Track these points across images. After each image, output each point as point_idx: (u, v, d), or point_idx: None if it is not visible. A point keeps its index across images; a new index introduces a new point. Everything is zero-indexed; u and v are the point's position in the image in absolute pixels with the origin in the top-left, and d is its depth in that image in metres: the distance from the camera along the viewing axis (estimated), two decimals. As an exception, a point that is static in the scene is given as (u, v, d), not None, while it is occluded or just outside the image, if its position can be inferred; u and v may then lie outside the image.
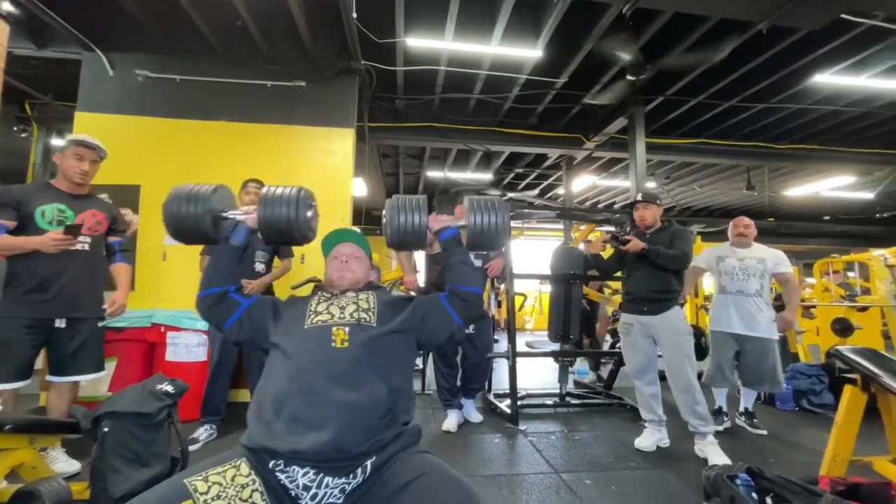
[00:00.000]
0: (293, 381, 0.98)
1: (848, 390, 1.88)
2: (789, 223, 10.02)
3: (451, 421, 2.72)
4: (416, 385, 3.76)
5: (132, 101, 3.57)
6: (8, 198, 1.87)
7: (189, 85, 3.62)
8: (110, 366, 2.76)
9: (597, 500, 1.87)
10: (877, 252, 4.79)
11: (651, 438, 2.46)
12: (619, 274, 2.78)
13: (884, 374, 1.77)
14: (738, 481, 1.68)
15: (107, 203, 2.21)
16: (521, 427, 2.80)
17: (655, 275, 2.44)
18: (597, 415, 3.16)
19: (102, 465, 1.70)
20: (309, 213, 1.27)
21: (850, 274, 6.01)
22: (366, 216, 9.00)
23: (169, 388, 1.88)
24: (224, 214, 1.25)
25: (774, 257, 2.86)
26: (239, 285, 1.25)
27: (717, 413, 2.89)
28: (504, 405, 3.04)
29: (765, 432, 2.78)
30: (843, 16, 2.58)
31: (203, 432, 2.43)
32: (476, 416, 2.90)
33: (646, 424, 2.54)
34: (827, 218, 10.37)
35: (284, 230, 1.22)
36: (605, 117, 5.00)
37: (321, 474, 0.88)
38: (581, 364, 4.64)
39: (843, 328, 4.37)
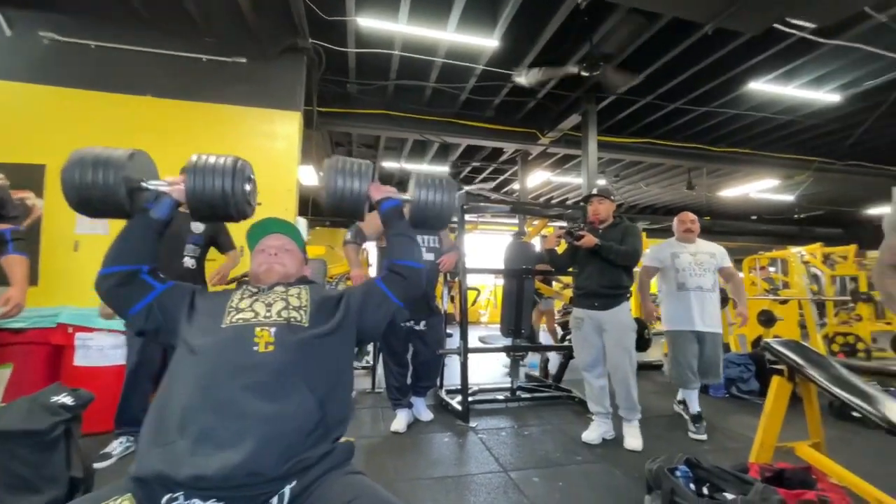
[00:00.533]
0: (202, 391, 0.83)
1: (776, 381, 1.98)
2: (722, 222, 10.80)
3: (399, 421, 2.62)
4: (366, 383, 3.63)
5: (35, 68, 3.10)
6: None
7: (107, 53, 3.21)
8: (4, 373, 2.40)
9: (544, 498, 1.85)
10: (794, 249, 5.26)
11: (597, 431, 2.51)
12: (570, 269, 2.79)
13: (807, 365, 1.88)
14: (678, 473, 1.72)
15: None
16: (472, 424, 2.76)
17: (606, 270, 2.46)
18: (546, 408, 3.19)
19: (-24, 493, 1.44)
20: (248, 187, 1.12)
21: (772, 269, 6.57)
22: (313, 206, 8.60)
23: (67, 399, 1.63)
24: (144, 185, 1.07)
25: (720, 252, 2.85)
26: (155, 265, 1.06)
27: (697, 418, 2.68)
28: (455, 402, 2.99)
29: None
30: (776, 26, 2.72)
31: (118, 446, 2.16)
32: (426, 415, 2.82)
33: (593, 417, 2.58)
34: (754, 218, 11.31)
35: (218, 204, 1.07)
36: (559, 113, 5.05)
37: None
38: (533, 357, 4.71)
39: (767, 319, 4.75)
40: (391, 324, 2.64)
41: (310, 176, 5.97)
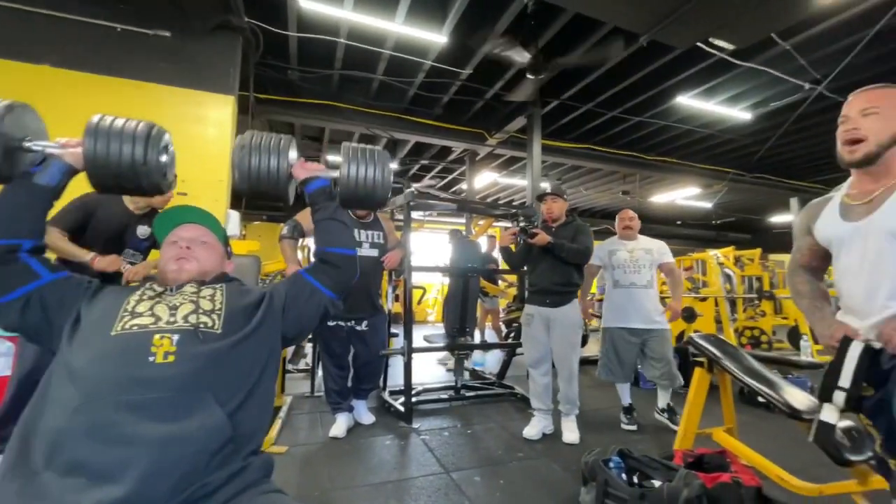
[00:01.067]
0: (78, 413, 0.69)
1: (697, 372, 2.14)
2: (652, 226, 11.69)
3: (339, 426, 2.50)
4: (305, 387, 3.44)
5: None
6: None
7: (-6, 12, 2.74)
8: None
9: (485, 498, 1.84)
10: (712, 252, 5.79)
11: (538, 427, 2.56)
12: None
13: (724, 357, 2.04)
14: (612, 464, 1.79)
15: None
16: (415, 425, 2.70)
17: (558, 268, 2.52)
18: (490, 406, 3.21)
19: None
20: (164, 158, 0.97)
21: (691, 270, 7.19)
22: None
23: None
24: (28, 144, 0.89)
25: (660, 248, 2.84)
26: (40, 245, 0.89)
27: (629, 410, 2.78)
28: (398, 403, 2.91)
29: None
30: (700, 45, 2.95)
31: None
32: (368, 418, 2.72)
33: (534, 413, 2.63)
34: (679, 222, 12.36)
35: (126, 174, 0.91)
36: (506, 115, 5.14)
37: None
38: (479, 355, 4.75)
39: (689, 315, 5.16)
40: (331, 326, 2.50)
41: (246, 166, 5.57)
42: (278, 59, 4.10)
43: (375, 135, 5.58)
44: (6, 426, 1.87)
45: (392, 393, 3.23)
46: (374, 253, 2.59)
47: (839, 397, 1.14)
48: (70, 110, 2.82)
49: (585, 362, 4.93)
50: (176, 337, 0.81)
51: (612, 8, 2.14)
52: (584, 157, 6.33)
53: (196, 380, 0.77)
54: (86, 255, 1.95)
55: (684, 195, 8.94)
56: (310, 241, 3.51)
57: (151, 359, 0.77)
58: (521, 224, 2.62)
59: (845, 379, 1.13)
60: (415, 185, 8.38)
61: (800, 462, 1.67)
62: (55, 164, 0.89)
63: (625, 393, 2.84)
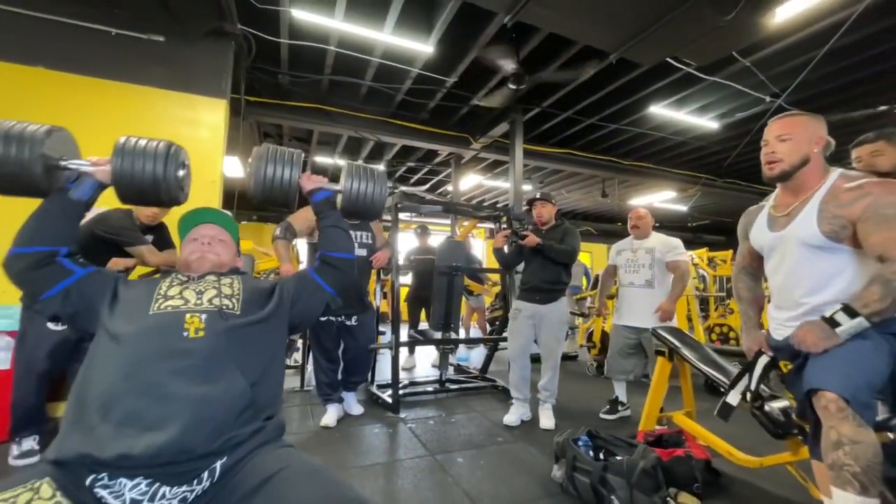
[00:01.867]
0: (127, 377, 0.84)
1: (659, 361, 2.35)
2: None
3: (330, 416, 2.64)
4: (295, 382, 3.56)
5: None
6: None
7: (-11, 14, 2.79)
8: None
9: (467, 476, 2.01)
10: (688, 253, 6.10)
11: (516, 414, 2.75)
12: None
13: (682, 347, 2.25)
14: (580, 443, 1.99)
15: None
16: (402, 415, 2.86)
17: (547, 268, 2.71)
18: (473, 397, 3.39)
19: None
20: (181, 173, 1.12)
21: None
22: (239, 200, 8.09)
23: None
24: (64, 163, 1.02)
25: (665, 246, 2.80)
26: (74, 249, 1.02)
27: (613, 403, 2.89)
28: (386, 395, 3.06)
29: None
30: (669, 60, 3.19)
31: (17, 450, 1.95)
32: (357, 409, 2.86)
33: (513, 402, 2.82)
34: (657, 225, 12.78)
35: (148, 189, 1.05)
36: (490, 121, 5.34)
37: (156, 484, 0.76)
38: (463, 351, 4.94)
39: (662, 313, 5.45)
40: (323, 321, 2.65)
41: (235, 168, 5.64)
42: (270, 63, 4.20)
43: (363, 137, 5.72)
44: (32, 410, 2.00)
45: (380, 386, 3.38)
46: (363, 253, 2.74)
47: (740, 388, 1.50)
48: (65, 112, 2.92)
49: (564, 357, 5.18)
50: (204, 316, 0.96)
51: (582, 29, 2.35)
52: (565, 162, 6.58)
53: (222, 351, 0.93)
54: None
55: (661, 199, 9.30)
56: (298, 242, 3.62)
57: (185, 333, 0.92)
58: (514, 227, 2.80)
59: (752, 379, 1.45)
60: (402, 187, 8.52)
61: (751, 442, 1.88)
62: (87, 180, 1.03)
63: (618, 388, 2.93)
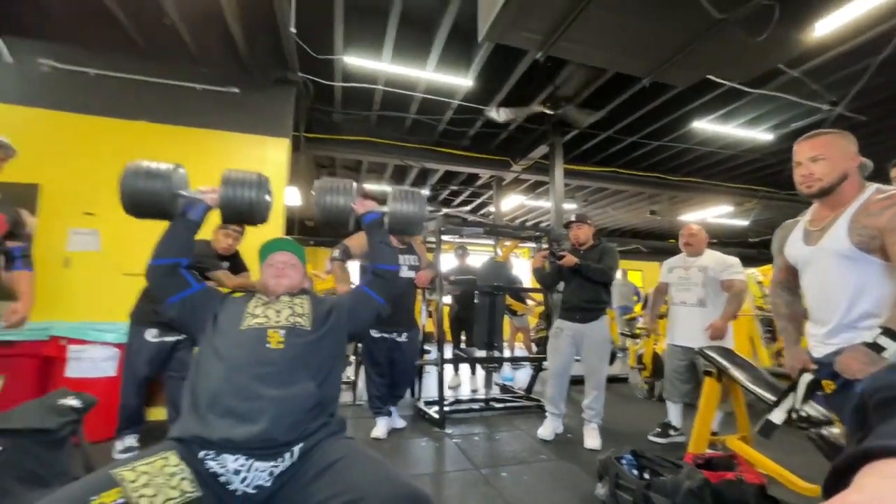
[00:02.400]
0: (226, 380, 1.05)
1: (707, 382, 2.30)
2: (685, 244, 11.50)
3: (380, 428, 2.80)
4: (348, 397, 3.77)
5: (34, 92, 3.26)
6: None
7: (105, 80, 3.39)
8: (-5, 385, 2.46)
9: (511, 490, 2.08)
10: (750, 270, 5.76)
11: (549, 427, 2.82)
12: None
13: (732, 367, 2.20)
14: (623, 461, 1.99)
15: (8, 205, 2.02)
16: (448, 430, 2.96)
17: (587, 287, 2.77)
18: (517, 416, 3.42)
19: (-9, 486, 1.56)
20: (267, 198, 1.38)
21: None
22: (299, 226, 8.76)
23: (74, 402, 1.77)
24: (184, 193, 1.30)
25: (720, 264, 2.71)
26: (190, 260, 1.29)
27: (664, 426, 2.79)
28: (433, 411, 3.19)
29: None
30: (709, 76, 3.19)
31: (121, 445, 2.30)
32: (400, 422, 3.02)
33: (547, 415, 2.87)
34: (714, 241, 12.11)
35: (245, 211, 1.33)
36: (529, 144, 5.48)
37: (251, 459, 0.96)
38: (507, 370, 4.96)
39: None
40: (376, 337, 2.84)
41: (295, 197, 6.16)
42: (325, 104, 4.66)
43: (408, 165, 6.06)
44: (134, 411, 2.35)
45: (427, 402, 3.50)
46: (412, 275, 2.95)
47: (785, 407, 1.47)
48: (161, 157, 3.42)
49: (614, 380, 5.04)
50: (283, 331, 1.18)
51: (611, 59, 2.44)
52: (608, 180, 6.54)
53: (296, 360, 1.13)
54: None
55: (715, 214, 8.87)
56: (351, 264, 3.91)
57: (268, 346, 1.14)
58: (552, 247, 2.88)
59: (797, 398, 1.44)
60: (445, 210, 8.80)
61: (814, 471, 1.78)
62: (200, 205, 1.31)
63: (672, 411, 2.81)
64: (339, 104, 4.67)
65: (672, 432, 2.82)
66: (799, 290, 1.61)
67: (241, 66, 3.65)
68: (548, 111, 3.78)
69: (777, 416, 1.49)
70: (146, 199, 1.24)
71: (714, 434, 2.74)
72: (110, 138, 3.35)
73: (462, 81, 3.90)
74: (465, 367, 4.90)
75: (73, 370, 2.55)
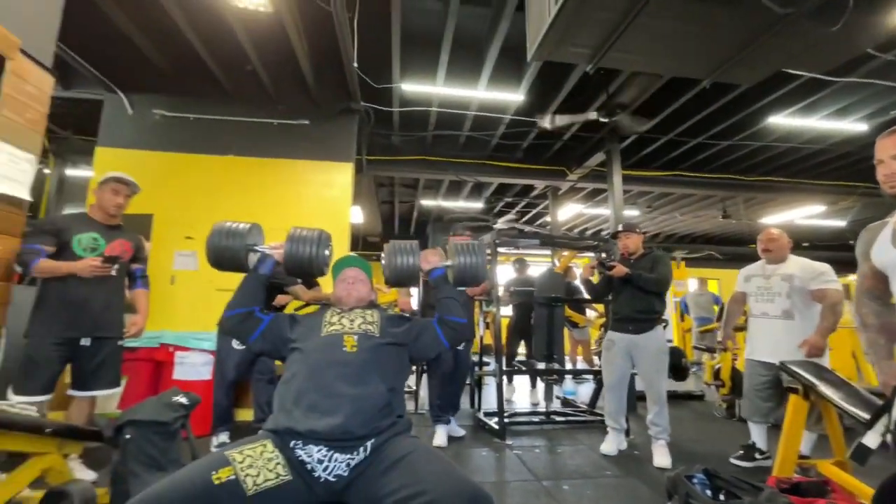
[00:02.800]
0: (310, 379, 1.21)
1: (792, 399, 2.11)
2: (769, 249, 10.43)
3: (440, 436, 2.89)
4: (409, 406, 3.92)
5: (148, 138, 3.87)
6: (50, 226, 2.12)
7: (201, 123, 3.94)
8: (122, 384, 2.92)
9: (573, 502, 2.05)
10: (851, 277, 5.12)
11: (612, 443, 2.73)
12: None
13: (820, 384, 2.00)
14: (695, 480, 1.89)
15: (133, 234, 2.44)
16: (508, 442, 2.98)
17: (638, 297, 2.69)
18: (580, 431, 3.34)
19: (124, 469, 1.86)
20: (326, 252, 1.54)
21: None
22: (363, 242, 9.27)
23: (183, 399, 2.07)
24: (256, 248, 1.51)
25: (808, 272, 2.47)
26: (262, 307, 1.47)
27: (748, 449, 2.57)
28: (493, 422, 3.22)
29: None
30: (785, 69, 2.98)
31: (216, 440, 2.64)
32: (458, 431, 3.10)
33: (608, 430, 2.78)
34: (806, 245, 10.84)
35: (305, 265, 1.48)
36: (585, 152, 5.39)
37: (332, 451, 1.09)
38: (569, 384, 4.83)
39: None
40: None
41: (358, 215, 6.58)
42: (384, 128, 4.98)
43: (462, 180, 6.22)
44: (225, 410, 2.68)
45: (486, 413, 3.54)
46: (466, 289, 3.06)
47: (880, 429, 1.30)
48: (246, 185, 3.90)
49: (687, 397, 4.71)
50: (356, 337, 1.33)
51: (665, 65, 2.38)
52: (673, 184, 6.21)
53: (369, 364, 1.27)
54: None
55: (804, 214, 7.98)
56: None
57: (344, 349, 1.29)
58: (601, 257, 2.84)
59: (891, 419, 1.28)
60: (500, 221, 8.84)
61: None
62: (269, 260, 1.49)
63: (756, 432, 2.58)
64: (397, 127, 4.96)
65: (758, 455, 2.58)
66: (890, 299, 1.46)
67: (310, 100, 4.06)
68: (602, 119, 3.73)
69: (871, 440, 1.34)
70: (226, 255, 1.44)
71: (804, 458, 2.52)
72: (205, 171, 3.87)
73: (514, 97, 3.99)
74: (524, 380, 4.85)
75: (178, 373, 2.95)
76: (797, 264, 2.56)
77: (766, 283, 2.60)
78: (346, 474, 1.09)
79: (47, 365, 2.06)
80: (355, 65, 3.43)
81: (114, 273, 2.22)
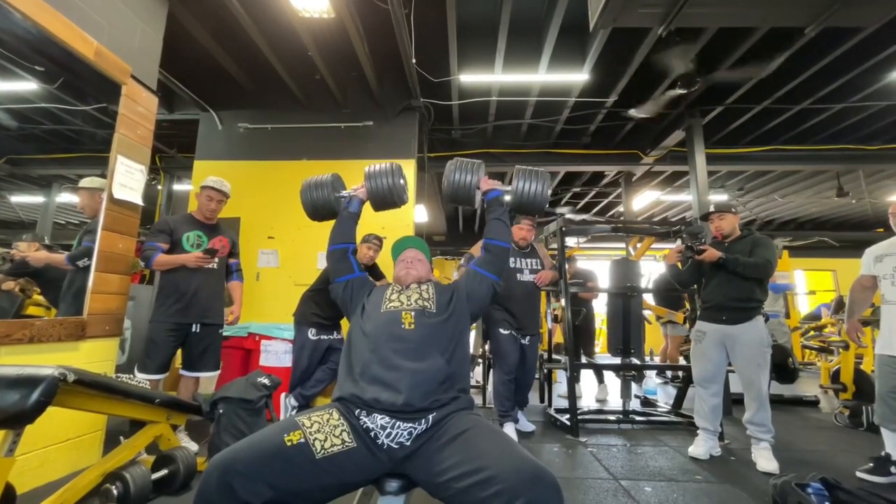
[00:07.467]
0: (372, 353, 1.24)
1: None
2: (901, 233, 8.76)
3: (508, 432, 2.80)
4: (477, 400, 3.89)
5: (235, 149, 4.30)
6: (165, 226, 2.46)
7: (278, 132, 4.29)
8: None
9: (656, 505, 1.87)
10: None
11: (704, 446, 2.44)
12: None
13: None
14: (810, 490, 1.62)
15: (230, 231, 2.75)
16: (581, 439, 2.81)
17: (734, 283, 2.40)
18: (662, 432, 3.06)
19: (218, 440, 2.07)
20: (402, 181, 1.62)
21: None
22: (428, 242, 9.43)
23: (266, 381, 2.26)
24: (342, 193, 1.64)
25: None
26: (355, 245, 1.57)
27: (882, 461, 2.21)
28: (564, 418, 3.07)
29: None
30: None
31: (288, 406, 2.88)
32: (528, 426, 3.01)
33: (699, 432, 2.49)
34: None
35: (387, 196, 1.59)
36: (660, 131, 4.95)
37: (394, 420, 1.11)
38: (651, 383, 4.46)
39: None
40: (505, 334, 2.89)
41: (421, 214, 6.71)
42: (444, 123, 5.01)
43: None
44: (301, 385, 2.88)
45: (557, 410, 3.39)
46: (531, 277, 2.95)
47: None
48: (317, 187, 4.14)
49: (799, 402, 4.10)
50: (413, 313, 1.33)
51: (755, 14, 2.04)
52: (770, 161, 5.44)
53: (426, 339, 1.27)
54: None
55: (949, 188, 6.58)
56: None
57: (403, 326, 1.29)
58: (688, 241, 2.55)
59: None
60: (564, 210, 8.46)
61: None
62: (356, 200, 1.60)
63: (891, 442, 2.23)
64: (457, 121, 4.96)
65: (894, 469, 2.16)
66: None
67: (373, 101, 4.22)
68: (681, 90, 3.37)
69: None
70: (319, 203, 1.60)
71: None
72: (282, 176, 4.19)
73: (577, 77, 3.78)
74: (591, 379, 4.56)
75: (263, 360, 3.22)
76: None
77: None
78: (408, 443, 1.10)
79: (164, 346, 2.38)
80: (413, 61, 3.49)
81: (215, 266, 2.50)
